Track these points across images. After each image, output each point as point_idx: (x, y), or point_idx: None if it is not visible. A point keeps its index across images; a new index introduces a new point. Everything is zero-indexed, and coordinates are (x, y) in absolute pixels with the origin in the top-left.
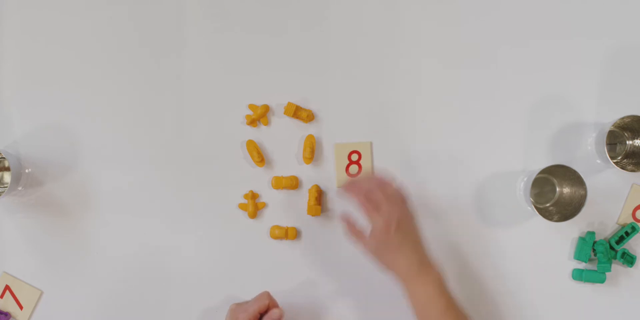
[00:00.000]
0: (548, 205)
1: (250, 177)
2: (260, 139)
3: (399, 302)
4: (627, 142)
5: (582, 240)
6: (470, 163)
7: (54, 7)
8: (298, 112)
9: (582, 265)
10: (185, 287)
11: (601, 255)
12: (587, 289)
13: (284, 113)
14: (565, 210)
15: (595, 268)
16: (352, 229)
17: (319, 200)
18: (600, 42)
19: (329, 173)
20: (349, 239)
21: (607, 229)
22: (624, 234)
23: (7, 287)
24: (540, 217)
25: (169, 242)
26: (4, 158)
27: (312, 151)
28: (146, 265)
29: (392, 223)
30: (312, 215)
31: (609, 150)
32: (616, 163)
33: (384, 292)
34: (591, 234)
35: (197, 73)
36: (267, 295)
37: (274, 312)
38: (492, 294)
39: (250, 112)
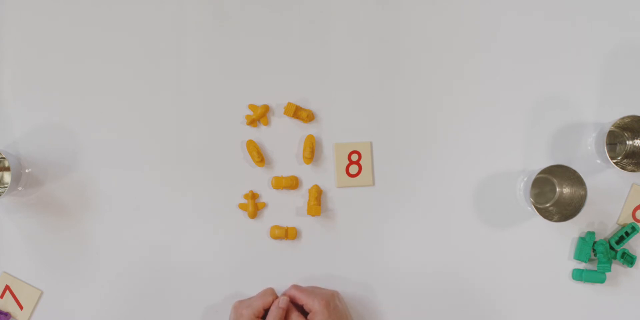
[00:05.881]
0: (548, 205)
1: (250, 177)
2: (260, 139)
3: (399, 302)
4: (627, 142)
5: (582, 240)
6: (469, 163)
7: (53, 8)
8: (298, 112)
9: (582, 265)
10: (185, 288)
11: (601, 255)
12: (587, 289)
13: (284, 113)
14: (565, 210)
15: (595, 268)
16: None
17: (319, 200)
18: (600, 41)
19: (329, 173)
20: None
21: (607, 229)
22: (624, 234)
23: (7, 287)
24: (540, 217)
25: (168, 243)
26: (4, 158)
27: (312, 151)
28: (146, 265)
29: (330, 301)
30: (312, 215)
31: (609, 150)
32: (616, 163)
33: (384, 292)
34: (591, 234)
35: (197, 73)
36: (271, 291)
37: (282, 300)
38: (491, 294)
39: (250, 112)
